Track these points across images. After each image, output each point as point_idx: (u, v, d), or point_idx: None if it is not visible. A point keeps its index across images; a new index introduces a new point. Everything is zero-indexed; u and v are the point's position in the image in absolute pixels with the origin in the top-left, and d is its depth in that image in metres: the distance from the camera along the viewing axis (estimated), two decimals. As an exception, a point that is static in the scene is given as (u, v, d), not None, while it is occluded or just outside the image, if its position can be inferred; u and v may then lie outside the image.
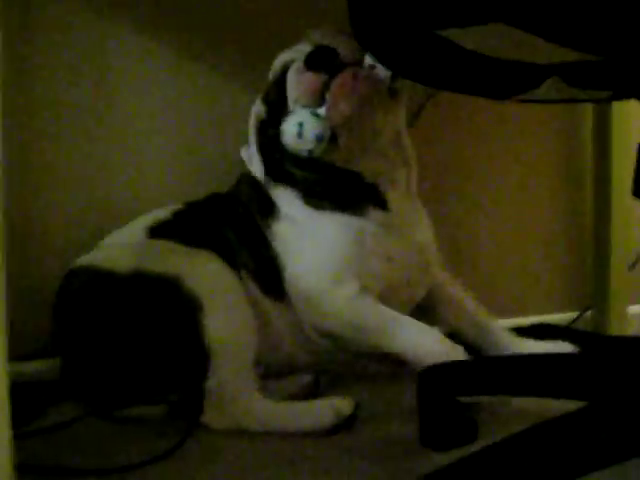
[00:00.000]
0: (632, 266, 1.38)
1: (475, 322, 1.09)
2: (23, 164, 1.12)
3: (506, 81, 0.73)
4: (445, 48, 0.67)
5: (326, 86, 0.93)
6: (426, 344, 0.92)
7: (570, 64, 0.60)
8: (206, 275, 0.93)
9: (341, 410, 0.89)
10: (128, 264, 0.94)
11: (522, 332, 1.13)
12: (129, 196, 1.17)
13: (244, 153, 1.04)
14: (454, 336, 1.09)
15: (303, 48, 0.97)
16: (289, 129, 0.95)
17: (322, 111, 0.94)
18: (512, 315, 1.33)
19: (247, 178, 1.05)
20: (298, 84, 0.96)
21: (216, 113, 1.20)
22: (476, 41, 0.63)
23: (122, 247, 1.01)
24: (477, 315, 1.10)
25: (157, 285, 0.91)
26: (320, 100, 0.94)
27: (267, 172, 1.02)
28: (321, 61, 0.94)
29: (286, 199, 1.02)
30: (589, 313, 1.41)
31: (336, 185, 1.00)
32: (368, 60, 0.95)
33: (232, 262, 0.98)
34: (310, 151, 0.95)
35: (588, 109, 1.42)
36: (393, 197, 1.01)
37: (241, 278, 0.98)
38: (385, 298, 0.98)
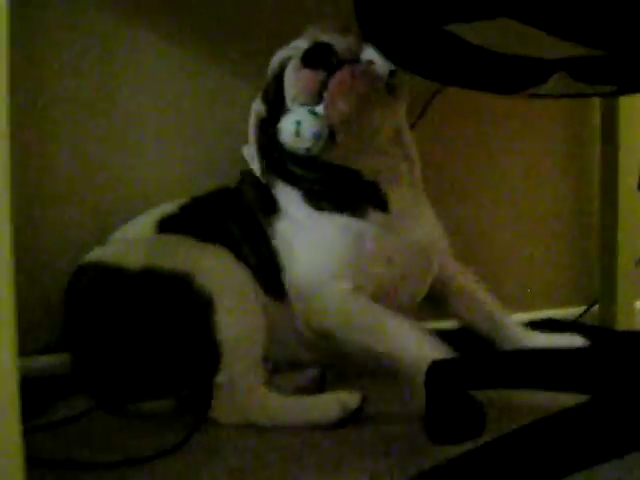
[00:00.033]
0: (639, 261, 1.38)
1: (487, 315, 1.09)
2: (30, 161, 1.13)
3: (513, 76, 0.73)
4: (452, 43, 0.67)
5: (324, 84, 0.93)
6: (415, 347, 0.90)
7: (576, 59, 0.60)
8: (217, 271, 0.94)
9: (348, 404, 0.90)
10: (138, 260, 0.94)
11: (530, 327, 1.13)
12: (137, 191, 1.18)
13: (246, 151, 1.03)
14: (467, 328, 1.11)
15: (301, 45, 0.97)
16: (287, 127, 0.95)
17: (320, 109, 0.93)
18: (519, 310, 1.33)
19: (250, 175, 1.05)
20: (296, 82, 0.95)
21: (221, 109, 1.21)
22: (483, 36, 0.63)
23: (132, 242, 1.02)
24: (489, 308, 1.10)
25: (168, 281, 0.92)
26: (318, 98, 0.93)
27: (268, 170, 1.02)
28: (318, 58, 0.93)
29: (287, 198, 1.01)
30: (596, 308, 1.41)
31: (335, 184, 1.00)
32: (366, 56, 0.94)
33: (237, 257, 0.98)
34: (308, 149, 0.94)
35: (595, 104, 1.42)
36: (394, 194, 1.00)
37: None
38: (384, 297, 0.98)
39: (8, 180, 0.57)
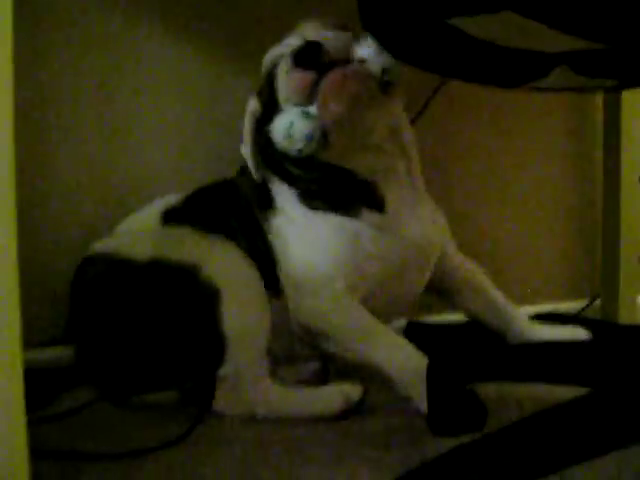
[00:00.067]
0: (641, 255, 1.38)
1: (494, 307, 1.09)
2: (35, 153, 1.13)
3: (515, 69, 0.73)
4: (454, 37, 0.67)
5: (315, 84, 0.91)
6: (398, 359, 0.90)
7: (578, 53, 0.60)
8: (224, 263, 0.94)
9: (350, 395, 0.90)
10: (145, 251, 0.95)
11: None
12: (140, 184, 1.18)
13: (243, 150, 1.02)
14: (474, 321, 1.11)
15: (292, 42, 0.95)
16: (278, 129, 0.94)
17: (313, 109, 0.92)
18: (521, 304, 1.33)
19: (249, 170, 1.05)
20: (287, 83, 0.94)
21: (222, 105, 1.21)
22: (485, 30, 0.64)
23: (139, 234, 1.02)
24: (496, 300, 1.09)
25: (175, 273, 0.92)
26: (310, 98, 0.92)
27: (265, 167, 1.01)
28: (309, 58, 0.92)
29: (282, 195, 1.01)
30: (598, 302, 1.41)
31: (330, 184, 0.99)
32: (358, 54, 0.93)
33: None
34: (300, 150, 0.93)
35: (598, 99, 1.42)
36: (392, 193, 0.99)
37: None
38: (379, 296, 0.98)
39: (12, 173, 0.57)
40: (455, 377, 0.85)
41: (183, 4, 1.19)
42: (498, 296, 1.10)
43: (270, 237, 0.99)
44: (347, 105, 0.91)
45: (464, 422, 0.83)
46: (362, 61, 0.92)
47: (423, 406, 0.85)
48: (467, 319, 1.13)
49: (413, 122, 1.10)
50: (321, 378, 1.00)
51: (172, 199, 1.06)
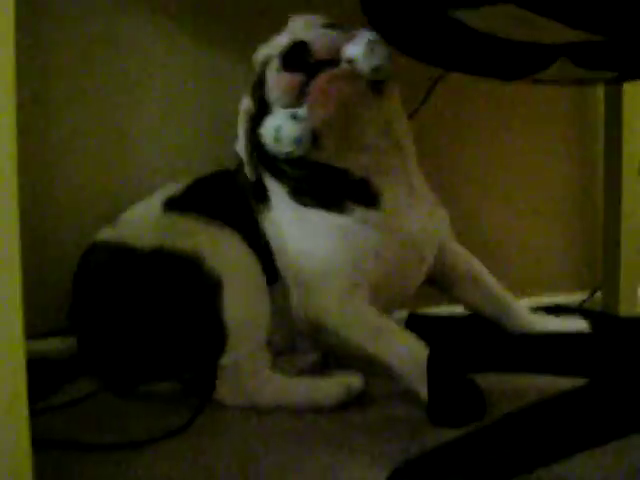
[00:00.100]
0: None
1: (492, 298, 1.09)
2: (37, 148, 1.14)
3: (516, 62, 0.73)
4: (455, 29, 0.67)
5: (304, 85, 0.90)
6: (406, 355, 0.90)
7: (577, 45, 0.60)
8: (227, 254, 0.94)
9: (351, 386, 0.91)
10: (149, 240, 0.95)
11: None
12: (141, 178, 1.19)
13: (238, 147, 1.02)
14: (474, 313, 1.11)
15: (282, 41, 0.94)
16: (267, 132, 0.94)
17: (302, 111, 0.91)
18: (522, 296, 1.34)
19: None
20: (275, 84, 0.93)
21: (225, 96, 1.21)
22: (486, 22, 0.64)
23: (142, 223, 1.02)
24: (497, 292, 1.10)
25: (179, 262, 0.92)
26: (299, 100, 0.91)
27: (260, 164, 1.01)
28: (296, 60, 0.91)
29: (275, 191, 1.01)
30: (599, 294, 1.41)
31: (322, 182, 0.98)
32: (347, 53, 0.91)
33: None
34: (289, 153, 0.93)
35: (599, 91, 1.42)
36: (386, 189, 0.98)
37: None
38: (379, 290, 0.98)
39: (14, 167, 0.57)
40: (455, 368, 0.86)
41: (183, 1, 1.19)
42: (497, 287, 1.10)
43: (266, 229, 1.00)
44: (336, 108, 0.90)
45: (464, 413, 0.83)
46: (351, 61, 0.91)
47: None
48: (467, 311, 1.13)
49: (413, 115, 1.10)
50: (320, 370, 1.01)
51: (173, 189, 1.07)
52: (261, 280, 0.96)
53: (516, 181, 1.42)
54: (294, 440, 0.82)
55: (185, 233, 0.96)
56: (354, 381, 0.92)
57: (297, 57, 0.90)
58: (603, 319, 1.32)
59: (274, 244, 0.99)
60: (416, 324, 1.16)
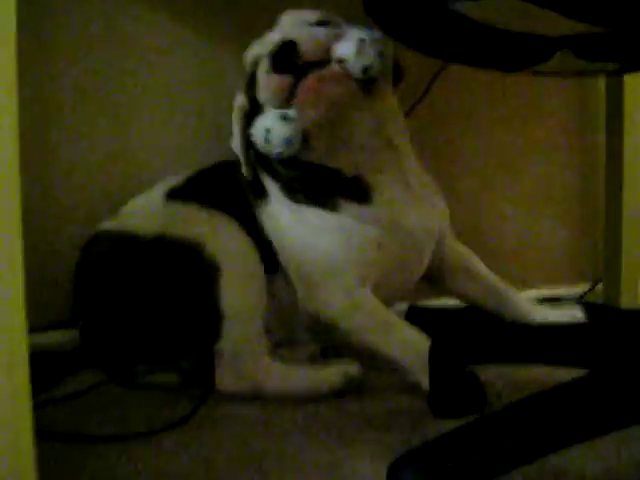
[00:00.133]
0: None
1: (491, 291, 1.10)
2: (40, 140, 1.14)
3: (517, 53, 0.73)
4: (456, 21, 0.67)
5: (294, 86, 0.89)
6: (411, 349, 0.90)
7: (578, 36, 0.60)
8: (226, 241, 0.95)
9: (349, 373, 0.92)
10: (151, 228, 0.96)
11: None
12: (144, 169, 1.19)
13: (234, 144, 1.02)
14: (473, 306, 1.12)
15: (272, 39, 0.93)
16: (257, 133, 0.93)
17: (292, 112, 0.90)
18: (523, 288, 1.34)
19: None
20: (266, 86, 0.93)
21: (227, 88, 1.21)
22: (487, 13, 0.64)
23: (144, 212, 1.03)
24: (493, 283, 1.10)
25: (180, 249, 0.94)
26: (289, 101, 0.90)
27: (255, 161, 1.01)
28: (285, 61, 0.89)
29: (270, 188, 1.01)
30: (600, 286, 1.41)
31: (314, 181, 0.98)
32: (337, 53, 0.89)
33: None
34: (279, 154, 0.92)
35: (601, 83, 1.42)
36: (379, 185, 0.98)
37: None
38: (378, 285, 0.98)
39: (16, 160, 0.57)
40: (456, 360, 0.86)
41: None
42: (495, 280, 1.10)
43: (264, 223, 1.00)
44: (326, 110, 0.89)
45: (465, 404, 0.84)
46: (341, 61, 0.89)
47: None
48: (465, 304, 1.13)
49: (412, 110, 1.09)
50: (320, 361, 1.01)
51: (174, 180, 1.07)
52: (259, 269, 0.97)
53: (517, 173, 1.42)
54: (295, 432, 0.83)
55: (186, 221, 0.97)
56: (352, 369, 0.93)
57: (286, 58, 0.89)
58: (604, 311, 1.32)
59: (273, 238, 0.99)
60: (416, 316, 1.16)
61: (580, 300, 1.39)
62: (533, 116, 1.41)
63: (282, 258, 0.99)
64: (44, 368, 0.94)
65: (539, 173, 1.43)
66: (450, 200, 1.09)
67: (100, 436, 0.82)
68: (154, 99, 1.20)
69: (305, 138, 0.91)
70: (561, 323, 1.05)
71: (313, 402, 0.90)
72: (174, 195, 1.04)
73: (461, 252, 1.11)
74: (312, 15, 0.96)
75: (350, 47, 0.89)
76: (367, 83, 0.91)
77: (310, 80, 0.89)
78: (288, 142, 0.91)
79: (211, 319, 0.92)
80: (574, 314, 1.09)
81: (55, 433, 0.81)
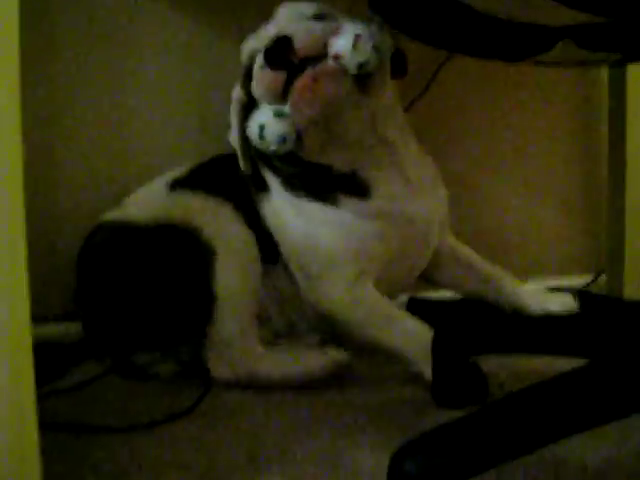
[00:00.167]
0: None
1: (489, 281, 1.10)
2: (43, 138, 1.14)
3: (519, 43, 0.73)
4: (459, 11, 0.67)
5: (288, 83, 0.88)
6: (414, 341, 0.91)
7: (580, 26, 0.60)
8: (224, 227, 0.97)
9: (336, 359, 0.94)
10: (154, 216, 0.98)
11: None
12: (145, 165, 1.19)
13: (232, 137, 1.01)
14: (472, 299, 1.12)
15: (268, 32, 0.92)
16: (251, 130, 0.92)
17: (287, 108, 0.89)
18: (526, 278, 1.34)
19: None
20: (260, 82, 0.91)
21: (229, 81, 1.21)
22: (489, 4, 0.64)
23: (147, 201, 1.04)
24: (490, 274, 1.10)
25: (178, 234, 0.95)
26: (283, 97, 0.89)
27: (254, 154, 1.01)
28: (280, 57, 0.88)
29: (271, 182, 1.01)
30: (603, 277, 1.41)
31: (312, 177, 0.98)
32: (333, 48, 0.87)
33: None
34: (274, 151, 0.92)
35: (603, 73, 1.41)
36: (377, 180, 0.97)
37: None
38: (383, 277, 0.98)
39: (19, 155, 0.57)
40: (459, 350, 0.86)
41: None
42: (494, 271, 1.10)
43: (266, 215, 1.00)
44: (320, 108, 0.88)
45: (467, 394, 0.84)
46: (337, 57, 0.87)
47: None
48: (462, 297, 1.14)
49: (415, 102, 1.09)
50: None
51: (177, 172, 1.08)
52: (256, 257, 0.98)
53: (520, 165, 1.41)
54: (297, 423, 0.83)
55: (186, 208, 0.98)
56: (339, 354, 0.95)
57: (281, 54, 0.88)
58: (607, 302, 1.32)
59: (275, 229, 1.00)
60: (417, 308, 1.16)
61: (583, 290, 1.39)
62: (536, 108, 1.41)
63: (283, 250, 0.99)
64: (48, 360, 0.94)
65: (542, 164, 1.43)
66: (452, 191, 1.09)
67: (103, 427, 0.82)
68: (154, 99, 1.20)
69: (299, 135, 0.90)
70: (561, 313, 1.05)
71: (314, 392, 0.91)
72: (177, 185, 1.04)
73: (456, 246, 1.11)
74: (309, 8, 0.94)
75: (346, 43, 0.87)
76: (362, 78, 0.89)
77: (305, 78, 0.87)
78: (282, 140, 0.90)
79: (205, 301, 0.93)
80: (564, 301, 1.08)
81: (59, 424, 0.82)
